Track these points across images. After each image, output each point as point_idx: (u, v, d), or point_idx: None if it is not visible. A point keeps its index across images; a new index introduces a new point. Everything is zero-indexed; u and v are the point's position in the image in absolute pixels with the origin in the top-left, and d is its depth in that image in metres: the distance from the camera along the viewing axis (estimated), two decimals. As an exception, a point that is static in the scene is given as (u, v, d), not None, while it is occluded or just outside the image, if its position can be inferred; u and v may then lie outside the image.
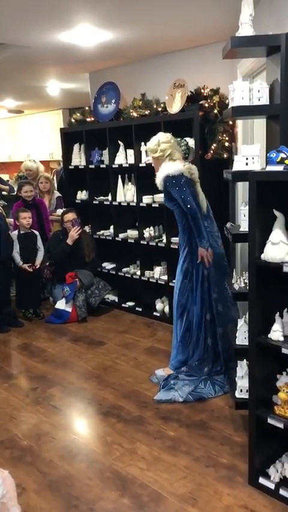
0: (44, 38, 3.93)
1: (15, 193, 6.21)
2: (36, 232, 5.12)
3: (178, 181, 3.34)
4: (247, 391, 2.54)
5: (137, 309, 5.08)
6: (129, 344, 4.32)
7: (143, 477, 2.54)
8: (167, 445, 2.81)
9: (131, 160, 4.77)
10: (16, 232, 5.02)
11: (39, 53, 4.42)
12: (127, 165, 4.85)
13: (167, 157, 3.44)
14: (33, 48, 4.23)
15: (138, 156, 4.66)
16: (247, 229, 2.28)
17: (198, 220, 3.37)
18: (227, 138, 4.03)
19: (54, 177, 6.92)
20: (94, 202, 5.32)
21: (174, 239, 4.32)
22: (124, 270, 5.16)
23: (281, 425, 2.23)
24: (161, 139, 3.47)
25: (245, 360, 2.74)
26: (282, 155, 2.20)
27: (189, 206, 3.32)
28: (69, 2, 3.10)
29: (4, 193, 6.45)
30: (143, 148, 4.64)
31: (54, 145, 8.28)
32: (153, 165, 3.62)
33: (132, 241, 4.93)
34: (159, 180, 3.46)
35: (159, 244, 4.60)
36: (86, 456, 2.75)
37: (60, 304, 4.97)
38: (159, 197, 4.13)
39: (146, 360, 3.96)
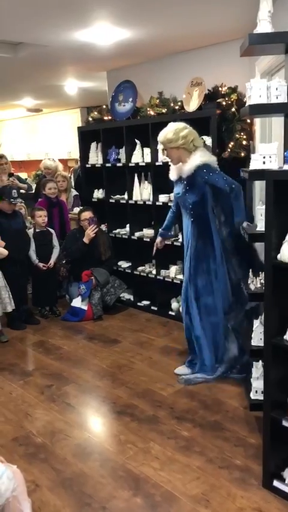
0: (62, 36, 3.94)
1: (34, 191, 6.28)
2: (52, 230, 5.15)
3: (214, 168, 3.36)
4: (262, 393, 2.52)
5: (152, 307, 5.07)
6: (144, 343, 4.32)
7: (156, 477, 2.53)
8: (180, 445, 2.80)
9: (148, 159, 4.76)
10: (32, 230, 5.06)
11: (57, 51, 4.44)
12: (144, 164, 4.84)
13: (191, 143, 3.37)
14: (51, 47, 4.25)
15: (154, 154, 4.65)
16: (263, 229, 2.25)
17: (242, 198, 3.37)
18: (244, 137, 3.99)
19: (72, 176, 6.95)
20: (110, 200, 5.33)
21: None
22: (140, 268, 5.15)
23: (296, 428, 2.20)
24: (179, 126, 3.39)
25: (260, 361, 2.71)
26: (300, 154, 2.16)
27: (234, 185, 3.31)
28: (87, 1, 3.10)
29: (22, 191, 6.50)
30: (159, 147, 4.61)
31: (72, 143, 8.32)
32: (169, 158, 3.50)
33: (148, 240, 4.92)
34: (191, 165, 3.33)
35: (175, 243, 4.58)
36: (100, 455, 2.76)
37: (76, 302, 4.99)
38: (176, 196, 4.11)
39: (160, 359, 3.95)
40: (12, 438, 2.96)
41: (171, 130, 3.38)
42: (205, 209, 3.42)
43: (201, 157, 3.34)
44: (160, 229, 3.98)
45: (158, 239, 3.98)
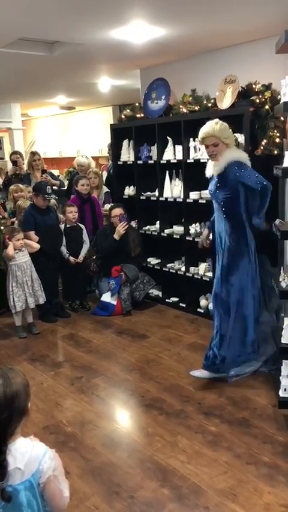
0: (98, 35, 4.00)
1: (66, 188, 6.38)
2: (82, 226, 5.23)
3: (247, 165, 3.39)
4: (291, 391, 2.51)
5: (180, 304, 5.09)
6: (173, 339, 4.35)
7: (183, 469, 2.57)
8: (208, 439, 2.82)
9: (179, 156, 4.78)
10: (63, 225, 5.16)
11: (92, 50, 4.50)
12: (175, 161, 4.86)
13: (231, 145, 3.44)
14: (86, 45, 4.31)
15: (186, 152, 4.67)
16: (296, 226, 2.25)
17: (268, 198, 3.37)
18: (277, 134, 3.96)
19: (104, 173, 7.04)
20: (141, 197, 5.37)
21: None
22: (169, 265, 5.18)
23: None
24: (226, 124, 3.42)
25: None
26: None
27: (265, 182, 3.32)
28: (123, -1, 3.14)
29: (55, 188, 6.63)
30: (191, 144, 4.63)
31: (103, 141, 8.41)
32: (213, 153, 3.45)
33: (178, 237, 4.94)
34: (223, 162, 3.37)
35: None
36: (128, 446, 2.81)
37: (106, 297, 5.07)
38: (206, 193, 4.11)
39: (188, 355, 3.98)
40: (43, 427, 3.05)
41: (225, 126, 3.41)
42: (237, 206, 3.41)
43: (232, 153, 3.36)
44: (208, 222, 3.91)
45: (206, 231, 3.88)
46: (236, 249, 3.47)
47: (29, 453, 1.44)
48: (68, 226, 5.16)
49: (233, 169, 3.33)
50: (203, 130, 3.45)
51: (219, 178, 3.41)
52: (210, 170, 3.52)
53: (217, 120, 3.46)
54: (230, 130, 3.44)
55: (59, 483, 1.48)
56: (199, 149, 4.55)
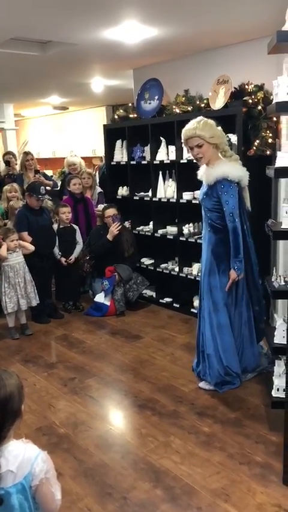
0: (91, 35, 3.99)
1: (59, 188, 6.36)
2: (75, 227, 5.22)
3: (234, 189, 3.17)
4: (284, 391, 2.52)
5: (174, 305, 5.09)
6: (166, 339, 4.35)
7: (176, 470, 2.56)
8: (201, 440, 2.82)
9: (173, 156, 4.78)
10: (56, 226, 5.14)
11: (85, 50, 4.49)
12: (168, 161, 4.87)
13: (224, 144, 3.22)
14: (79, 45, 4.30)
15: (179, 152, 4.67)
16: (288, 227, 2.25)
17: (240, 239, 3.18)
18: (270, 135, 3.97)
19: (97, 173, 7.02)
20: (134, 198, 5.37)
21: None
22: (162, 265, 5.18)
23: None
24: (214, 123, 3.18)
25: (282, 358, 2.71)
26: None
27: (236, 221, 3.14)
28: (115, -1, 3.14)
29: (48, 188, 6.61)
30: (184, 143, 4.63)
31: (97, 141, 8.40)
32: (199, 155, 3.24)
33: (171, 237, 4.94)
34: (212, 177, 3.19)
35: (198, 240, 4.59)
36: (121, 447, 2.80)
37: (99, 298, 5.06)
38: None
39: (182, 356, 3.98)
40: (36, 428, 3.03)
41: (210, 124, 3.18)
42: (224, 220, 3.23)
43: (223, 168, 3.16)
44: None
45: None
46: (213, 264, 3.33)
47: (22, 456, 1.44)
48: (61, 227, 5.15)
49: (220, 187, 3.18)
50: (184, 130, 3.23)
51: (209, 187, 3.27)
52: (202, 173, 3.37)
53: (201, 117, 3.25)
54: (219, 128, 3.27)
55: (51, 486, 1.47)
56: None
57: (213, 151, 3.26)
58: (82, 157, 6.62)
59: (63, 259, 5.02)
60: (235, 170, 3.21)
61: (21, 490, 1.42)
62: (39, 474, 1.43)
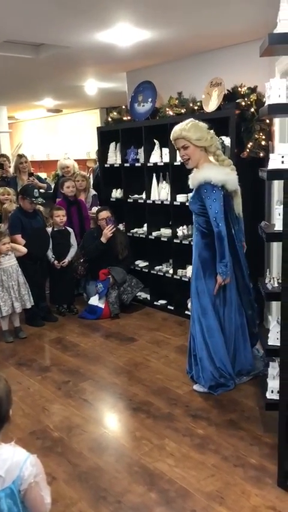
0: (84, 38, 3.99)
1: (52, 191, 6.35)
2: (70, 230, 5.20)
3: (217, 194, 3.12)
4: (278, 392, 2.52)
5: (168, 307, 5.09)
6: (161, 342, 4.34)
7: (170, 473, 2.56)
8: (195, 442, 2.81)
9: (166, 159, 4.79)
10: (50, 229, 5.13)
11: (79, 52, 4.49)
12: (162, 164, 4.87)
13: (215, 146, 3.17)
14: (72, 48, 4.30)
15: (173, 154, 4.67)
16: (281, 229, 2.26)
17: (225, 243, 3.15)
18: (263, 137, 3.99)
19: (91, 176, 7.02)
20: (128, 200, 5.37)
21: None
22: (157, 268, 5.18)
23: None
24: (204, 125, 3.14)
25: (276, 360, 2.71)
26: None
27: (220, 225, 3.11)
28: (108, 1, 3.14)
29: (42, 191, 6.61)
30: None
31: (91, 144, 8.40)
32: (187, 156, 3.22)
33: (166, 239, 4.94)
34: (195, 180, 3.20)
35: (192, 243, 4.59)
36: (115, 450, 2.79)
37: (94, 300, 5.05)
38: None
39: (176, 358, 3.97)
40: (30, 432, 3.02)
41: (199, 127, 3.15)
42: (209, 223, 3.21)
43: (205, 172, 3.12)
44: None
45: None
46: (199, 269, 3.33)
47: (10, 460, 1.42)
48: (55, 229, 5.13)
49: (203, 191, 3.16)
50: (172, 131, 3.23)
51: (195, 191, 3.25)
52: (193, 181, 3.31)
53: (190, 119, 3.23)
54: (208, 131, 3.20)
55: (40, 490, 1.46)
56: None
57: (200, 155, 3.24)
58: (76, 160, 6.62)
59: (56, 262, 5.00)
60: (218, 174, 3.15)
61: (10, 494, 1.41)
62: (28, 478, 1.42)
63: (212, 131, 3.27)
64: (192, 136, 3.16)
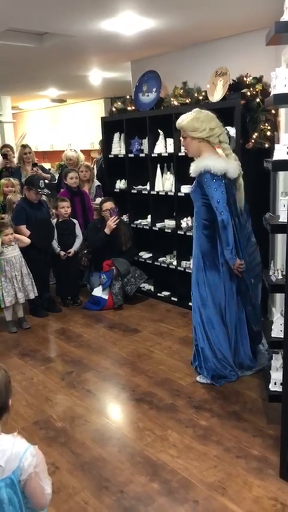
0: (88, 26, 3.95)
1: (56, 181, 6.33)
2: (75, 221, 5.19)
3: (218, 182, 3.11)
4: (281, 384, 2.51)
5: (172, 298, 5.09)
6: (164, 333, 4.34)
7: (173, 464, 2.57)
8: (198, 434, 2.82)
9: (171, 149, 4.75)
10: (55, 220, 5.12)
11: (83, 41, 4.45)
12: (166, 154, 4.83)
13: (218, 137, 3.15)
14: (76, 37, 4.26)
15: (177, 145, 4.63)
16: (286, 220, 2.24)
17: (229, 230, 3.13)
18: (269, 127, 3.95)
19: (95, 166, 6.98)
20: (132, 191, 5.35)
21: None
22: (160, 259, 5.17)
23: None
24: (206, 116, 3.13)
25: (280, 352, 2.70)
26: None
27: (223, 214, 3.09)
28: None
29: (46, 181, 6.58)
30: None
31: (95, 134, 8.36)
32: (185, 148, 3.26)
33: (169, 231, 4.93)
34: (196, 168, 3.18)
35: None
36: (118, 440, 2.80)
37: (97, 292, 5.05)
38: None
39: (180, 349, 3.97)
40: (33, 422, 3.03)
41: (197, 118, 3.15)
42: (212, 214, 3.21)
43: (211, 162, 3.10)
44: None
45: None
46: (199, 261, 3.33)
47: (10, 450, 1.43)
48: (60, 220, 5.12)
49: (203, 180, 3.15)
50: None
51: (197, 180, 3.24)
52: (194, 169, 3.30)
53: (195, 110, 3.23)
54: (211, 123, 3.17)
55: (40, 480, 1.46)
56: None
57: (199, 146, 3.23)
58: (80, 150, 6.58)
59: (62, 253, 5.00)
60: (218, 163, 3.14)
61: (9, 484, 1.41)
62: (28, 468, 1.43)
63: (214, 122, 3.20)
64: (187, 128, 3.18)
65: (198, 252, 3.35)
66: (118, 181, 5.63)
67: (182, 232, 4.74)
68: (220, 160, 3.18)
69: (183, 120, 3.21)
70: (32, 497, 1.47)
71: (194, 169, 3.25)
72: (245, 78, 4.10)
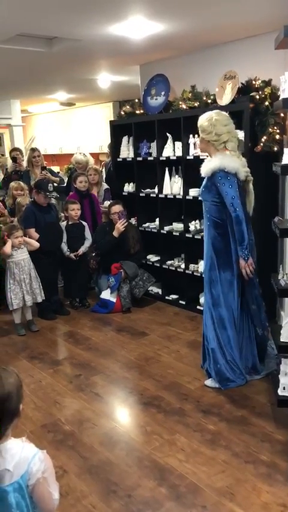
0: (96, 30, 3.97)
1: (65, 184, 6.36)
2: (85, 223, 5.21)
3: (232, 180, 3.14)
4: (290, 389, 2.50)
5: (180, 302, 5.08)
6: (172, 336, 4.34)
7: (181, 468, 2.56)
8: (206, 438, 2.81)
9: (179, 152, 4.75)
10: (65, 223, 5.14)
11: (91, 45, 4.47)
12: (175, 158, 4.84)
13: (223, 144, 3.20)
14: (85, 41, 4.28)
15: (186, 148, 4.64)
16: (295, 224, 2.23)
17: (244, 226, 3.15)
18: (277, 131, 3.94)
19: (103, 170, 7.01)
20: (141, 194, 5.35)
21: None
22: (168, 262, 5.17)
23: None
24: (220, 120, 3.18)
25: (289, 357, 2.70)
26: None
27: (237, 210, 3.12)
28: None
29: (55, 184, 6.61)
30: (191, 140, 4.61)
31: (103, 137, 8.39)
32: (199, 147, 3.34)
33: (177, 234, 4.93)
34: (208, 168, 3.21)
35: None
36: (126, 444, 2.80)
37: (105, 294, 5.06)
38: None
39: (188, 353, 3.96)
40: (41, 425, 3.04)
41: (209, 119, 3.21)
42: (223, 213, 3.23)
43: (224, 162, 3.14)
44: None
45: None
46: (213, 259, 3.32)
47: (19, 455, 1.44)
48: (70, 223, 5.15)
49: (217, 178, 3.17)
50: None
51: (208, 179, 3.26)
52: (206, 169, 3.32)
53: (215, 111, 3.29)
54: (220, 128, 3.20)
55: (48, 485, 1.47)
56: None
57: (207, 146, 3.30)
58: (89, 153, 6.60)
59: (72, 255, 5.02)
60: (231, 162, 3.18)
61: (18, 489, 1.42)
62: (36, 473, 1.43)
63: (225, 128, 3.22)
64: (199, 126, 3.29)
65: (211, 250, 3.35)
66: (126, 184, 5.64)
67: (190, 236, 4.74)
68: (233, 159, 3.21)
69: (200, 118, 3.30)
70: (39, 502, 1.47)
71: (205, 169, 3.28)
72: (253, 82, 4.09)
